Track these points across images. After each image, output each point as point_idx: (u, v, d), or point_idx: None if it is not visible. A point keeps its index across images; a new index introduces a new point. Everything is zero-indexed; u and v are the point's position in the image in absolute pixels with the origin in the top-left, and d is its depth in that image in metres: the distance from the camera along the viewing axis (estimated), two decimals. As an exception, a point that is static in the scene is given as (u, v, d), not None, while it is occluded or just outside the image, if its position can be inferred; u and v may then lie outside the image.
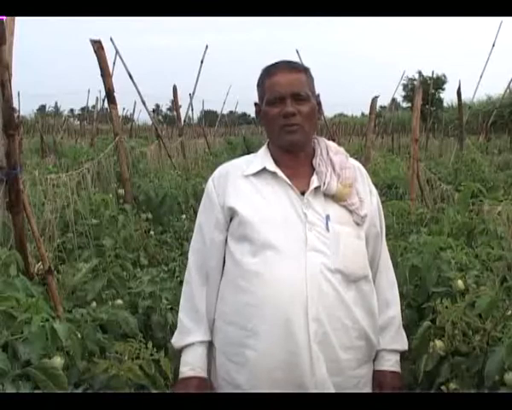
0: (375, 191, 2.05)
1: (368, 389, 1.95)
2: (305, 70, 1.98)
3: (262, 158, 1.99)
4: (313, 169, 1.95)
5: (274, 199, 1.91)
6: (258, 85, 1.99)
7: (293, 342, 1.81)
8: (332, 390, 1.83)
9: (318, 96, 2.01)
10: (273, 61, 2.00)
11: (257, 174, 1.96)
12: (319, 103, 2.00)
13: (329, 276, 1.84)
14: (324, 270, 1.84)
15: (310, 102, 1.93)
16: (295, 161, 1.96)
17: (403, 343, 2.03)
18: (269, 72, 1.96)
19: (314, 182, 1.92)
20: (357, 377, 1.91)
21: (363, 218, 1.94)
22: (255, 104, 2.02)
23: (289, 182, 1.92)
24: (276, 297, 1.82)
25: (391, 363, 1.99)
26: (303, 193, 1.91)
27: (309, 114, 1.92)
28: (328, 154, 1.98)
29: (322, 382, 1.82)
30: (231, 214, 1.94)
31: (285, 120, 1.90)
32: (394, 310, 2.02)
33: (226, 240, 1.97)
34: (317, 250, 1.85)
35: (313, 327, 1.81)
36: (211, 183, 2.02)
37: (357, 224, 1.93)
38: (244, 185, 1.95)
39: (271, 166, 1.95)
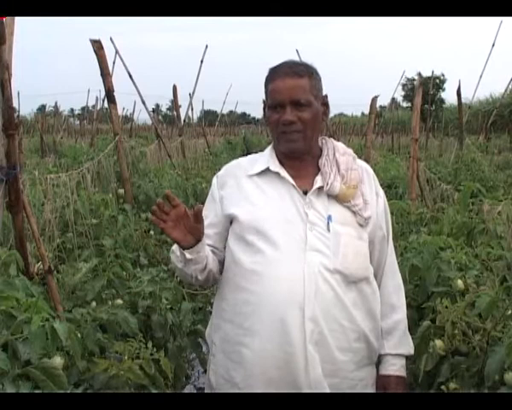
0: (382, 193, 2.04)
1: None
2: (310, 74, 1.93)
3: (267, 158, 1.99)
4: (319, 169, 1.95)
5: (276, 198, 1.92)
6: (264, 85, 1.98)
7: (288, 341, 1.81)
8: (327, 391, 1.83)
9: (326, 96, 1.98)
10: (278, 62, 1.97)
11: (261, 174, 1.96)
12: (326, 104, 1.98)
13: (328, 276, 1.84)
14: (323, 270, 1.84)
15: (311, 107, 1.90)
16: (300, 162, 1.96)
17: (408, 348, 2.01)
18: (272, 75, 1.94)
19: (317, 182, 1.92)
20: (355, 380, 1.90)
21: (367, 219, 1.93)
22: (263, 101, 2.01)
23: (292, 182, 1.92)
24: (273, 296, 1.82)
25: (396, 368, 1.97)
26: (306, 193, 1.91)
27: (310, 120, 1.90)
28: (334, 154, 1.97)
29: (317, 382, 1.82)
30: (231, 219, 1.95)
31: (284, 127, 1.90)
32: (400, 314, 2.01)
33: (226, 238, 1.98)
34: (317, 250, 1.85)
35: (309, 327, 1.80)
36: (215, 181, 2.05)
37: (361, 225, 1.92)
38: (247, 185, 1.96)
39: (275, 167, 1.95)
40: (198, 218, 1.83)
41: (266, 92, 1.96)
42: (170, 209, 1.80)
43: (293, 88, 1.89)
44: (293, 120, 1.88)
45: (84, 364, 2.20)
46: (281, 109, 1.89)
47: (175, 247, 1.91)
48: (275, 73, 1.94)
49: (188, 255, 1.86)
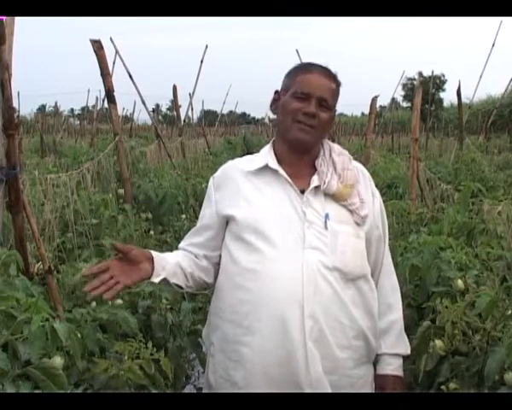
0: (378, 194, 2.05)
1: (366, 391, 1.94)
2: (338, 82, 1.99)
3: (265, 155, 1.99)
4: (315, 169, 1.96)
5: (273, 197, 1.92)
6: (288, 76, 1.99)
7: (288, 339, 1.81)
8: (328, 389, 1.83)
9: (336, 110, 2.02)
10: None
11: (258, 172, 1.97)
12: (333, 117, 2.02)
13: (327, 274, 1.85)
14: (321, 268, 1.84)
15: (331, 112, 1.95)
16: (298, 161, 1.97)
17: (405, 347, 2.02)
18: (306, 68, 1.98)
19: (314, 181, 1.93)
20: (354, 378, 1.91)
21: (364, 218, 1.94)
22: (275, 92, 2.03)
23: (290, 180, 1.93)
24: (272, 295, 1.83)
25: (393, 367, 1.98)
26: (303, 192, 1.92)
27: (326, 122, 1.94)
28: (330, 155, 1.98)
29: (318, 380, 1.82)
30: (228, 219, 1.95)
31: (304, 117, 1.91)
32: (396, 314, 2.02)
33: (223, 238, 1.99)
34: (315, 248, 1.86)
35: (309, 324, 1.81)
36: (211, 182, 2.06)
37: (358, 224, 1.93)
38: (244, 185, 1.96)
39: (273, 164, 1.95)
40: (126, 254, 1.86)
41: (291, 81, 1.97)
42: (107, 272, 1.81)
43: (325, 87, 1.93)
44: (316, 114, 1.91)
45: (84, 364, 2.20)
46: (305, 100, 1.91)
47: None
48: (309, 67, 1.98)
49: (156, 279, 1.91)
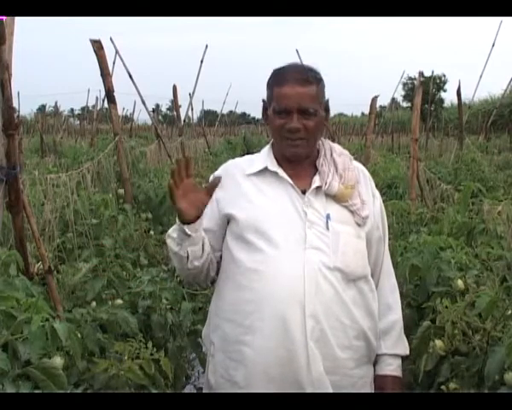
0: (378, 195, 2.05)
1: (366, 391, 1.94)
2: (318, 81, 1.92)
3: (264, 158, 1.99)
4: (316, 170, 1.96)
5: (274, 198, 1.92)
6: (267, 85, 1.96)
7: (289, 339, 1.81)
8: (329, 388, 1.83)
9: (327, 101, 1.98)
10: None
11: (258, 173, 1.97)
12: (327, 109, 1.98)
13: (328, 274, 1.85)
14: (323, 268, 1.85)
15: (317, 116, 1.91)
16: (298, 163, 1.96)
17: (404, 348, 2.03)
18: (279, 79, 1.91)
19: (316, 181, 1.93)
20: (355, 378, 1.91)
21: (365, 219, 1.94)
22: (263, 101, 2.00)
23: (290, 181, 1.93)
24: (274, 294, 1.83)
25: (392, 368, 1.98)
26: (304, 192, 1.92)
27: (314, 128, 1.91)
28: (331, 155, 1.98)
29: (319, 380, 1.83)
30: (229, 218, 1.95)
31: (289, 133, 1.90)
32: (396, 314, 2.02)
33: (223, 237, 1.98)
34: (316, 248, 1.86)
35: (310, 324, 1.81)
36: (212, 180, 2.04)
37: (359, 224, 1.93)
38: (245, 185, 1.96)
39: (273, 166, 1.95)
40: (210, 192, 1.86)
41: (271, 94, 1.94)
42: (183, 177, 1.81)
43: (302, 96, 1.88)
44: (300, 128, 1.88)
45: (84, 364, 2.19)
46: (286, 115, 1.88)
47: (172, 229, 1.92)
48: (283, 78, 1.91)
49: (187, 230, 1.85)
